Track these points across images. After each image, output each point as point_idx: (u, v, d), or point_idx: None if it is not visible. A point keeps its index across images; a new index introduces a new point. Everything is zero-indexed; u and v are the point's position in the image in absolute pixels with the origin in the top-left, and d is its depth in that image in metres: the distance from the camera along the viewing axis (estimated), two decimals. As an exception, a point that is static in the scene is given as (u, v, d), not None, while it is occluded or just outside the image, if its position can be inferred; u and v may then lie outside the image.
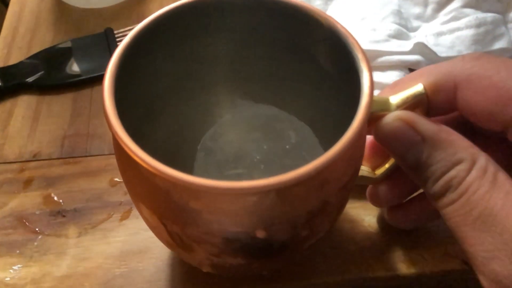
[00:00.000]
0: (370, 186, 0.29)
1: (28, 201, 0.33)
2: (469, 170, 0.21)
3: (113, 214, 0.33)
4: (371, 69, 0.22)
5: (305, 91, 0.29)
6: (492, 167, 0.21)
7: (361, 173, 0.27)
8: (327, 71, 0.26)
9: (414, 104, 0.24)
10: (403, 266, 0.29)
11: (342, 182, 0.21)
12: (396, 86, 0.24)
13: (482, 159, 0.21)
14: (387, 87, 0.25)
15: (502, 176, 0.21)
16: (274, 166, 0.29)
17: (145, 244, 0.31)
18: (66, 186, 0.34)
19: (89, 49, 0.42)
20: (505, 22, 0.37)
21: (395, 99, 0.24)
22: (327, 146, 0.29)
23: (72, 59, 0.42)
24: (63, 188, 0.34)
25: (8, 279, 0.30)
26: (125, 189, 0.31)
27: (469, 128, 0.25)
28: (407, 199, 0.28)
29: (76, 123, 0.38)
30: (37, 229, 0.32)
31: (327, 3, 0.39)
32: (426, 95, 0.24)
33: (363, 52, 0.22)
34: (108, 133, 0.34)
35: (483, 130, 0.25)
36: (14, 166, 0.35)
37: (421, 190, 0.27)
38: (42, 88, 0.40)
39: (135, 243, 0.31)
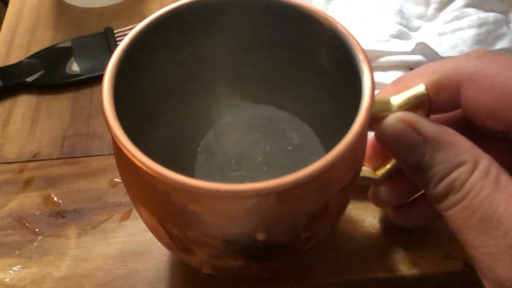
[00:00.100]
0: (372, 187, 0.28)
1: (27, 201, 0.33)
2: (471, 172, 0.21)
3: (113, 215, 0.32)
4: (372, 70, 0.22)
5: (306, 92, 0.29)
6: (495, 168, 0.21)
7: (362, 174, 0.26)
8: (327, 71, 0.26)
9: (416, 104, 0.23)
10: (404, 267, 0.29)
11: (343, 184, 0.21)
12: (398, 83, 0.24)
13: (485, 160, 0.21)
14: (389, 84, 0.25)
15: (505, 177, 0.21)
16: (277, 167, 0.29)
17: (145, 245, 0.31)
18: (66, 186, 0.34)
19: (89, 48, 0.42)
20: (507, 22, 0.37)
21: (396, 100, 0.23)
22: (328, 146, 0.29)
23: (72, 59, 0.41)
24: (63, 188, 0.34)
25: (7, 280, 0.29)
26: (125, 189, 0.31)
27: (472, 128, 0.25)
28: (411, 199, 0.28)
29: (76, 123, 0.38)
30: (37, 230, 0.32)
31: (328, 3, 0.39)
32: (428, 95, 0.23)
33: (364, 52, 0.22)
34: (108, 133, 0.33)
35: (486, 130, 0.24)
36: (14, 166, 0.35)
37: None
38: (42, 87, 0.40)
39: (135, 244, 0.31)
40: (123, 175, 0.23)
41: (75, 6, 0.47)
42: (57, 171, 0.35)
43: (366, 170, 0.27)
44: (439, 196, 0.22)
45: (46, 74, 0.40)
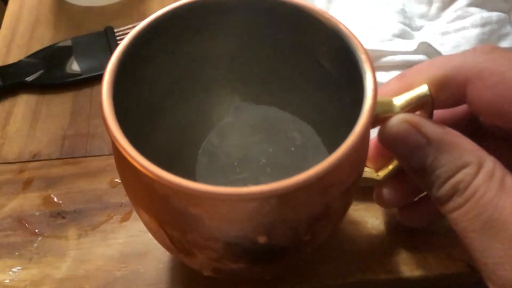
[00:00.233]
0: (377, 187, 0.28)
1: (27, 202, 0.33)
2: (476, 174, 0.20)
3: (113, 216, 0.32)
4: (374, 71, 0.21)
5: (307, 92, 0.29)
6: (500, 170, 0.20)
7: (364, 174, 0.26)
8: (329, 72, 0.26)
9: (418, 105, 0.23)
10: (406, 269, 0.29)
11: (345, 186, 0.21)
12: (402, 78, 0.24)
13: (489, 162, 0.21)
14: (393, 78, 0.24)
15: (509, 180, 0.20)
16: (281, 169, 0.28)
17: (146, 246, 0.30)
18: (66, 187, 0.34)
19: (90, 47, 0.42)
20: (510, 21, 0.36)
21: (399, 100, 0.23)
22: (330, 146, 0.28)
23: (72, 58, 0.41)
24: (63, 189, 0.34)
25: (7, 281, 0.29)
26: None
27: (476, 127, 0.25)
28: (418, 198, 0.28)
29: (76, 122, 0.38)
30: (36, 231, 0.32)
31: (330, 2, 0.38)
32: (431, 96, 0.23)
33: (367, 53, 0.22)
34: (108, 134, 0.33)
35: (491, 129, 0.24)
36: (14, 166, 0.35)
37: None
38: (42, 87, 0.40)
39: (135, 245, 0.31)
40: (122, 178, 0.22)
41: (75, 5, 0.46)
42: (57, 171, 0.35)
43: (368, 171, 0.27)
44: (443, 198, 0.21)
45: (46, 74, 0.40)
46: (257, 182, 0.27)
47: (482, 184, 0.20)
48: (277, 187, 0.18)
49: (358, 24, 0.36)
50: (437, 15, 0.37)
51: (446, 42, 0.35)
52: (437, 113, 0.25)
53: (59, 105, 0.39)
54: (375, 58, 0.34)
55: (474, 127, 0.25)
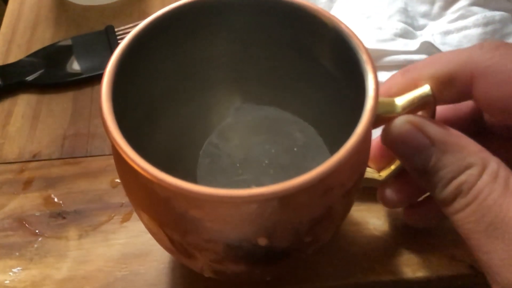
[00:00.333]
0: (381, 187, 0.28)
1: (28, 202, 0.33)
2: (479, 175, 0.20)
3: (114, 216, 0.32)
4: (376, 72, 0.21)
5: (308, 92, 0.29)
6: (504, 171, 0.20)
7: (366, 175, 0.26)
8: (330, 72, 0.26)
9: (421, 105, 0.23)
10: (408, 270, 0.29)
11: (347, 187, 0.21)
12: (407, 72, 0.23)
13: (493, 163, 0.20)
14: (397, 72, 0.24)
15: None
16: (284, 170, 0.28)
17: (147, 246, 0.30)
18: (66, 187, 0.34)
19: (90, 47, 0.42)
20: (513, 21, 0.36)
21: (400, 100, 0.23)
22: (332, 146, 0.28)
23: (73, 57, 0.41)
24: (63, 189, 0.33)
25: (7, 282, 0.29)
26: (126, 191, 0.30)
27: (481, 127, 0.24)
28: (423, 198, 0.27)
29: (76, 122, 0.37)
30: (37, 231, 0.31)
31: (331, 1, 0.38)
32: (433, 96, 0.23)
33: (368, 53, 0.22)
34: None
35: (495, 129, 0.24)
36: (14, 166, 0.35)
37: None
38: (42, 86, 0.40)
39: (136, 245, 0.31)
40: (122, 179, 0.22)
41: (76, 4, 0.46)
42: (57, 171, 0.35)
43: (370, 171, 0.27)
44: (447, 199, 0.21)
45: (46, 73, 0.40)
46: (259, 183, 0.26)
47: (486, 185, 0.20)
48: (278, 189, 0.17)
49: (360, 24, 0.36)
50: (439, 14, 0.37)
51: (448, 42, 0.34)
52: (440, 113, 0.25)
53: (59, 104, 0.39)
54: (377, 58, 0.34)
55: (478, 127, 0.25)
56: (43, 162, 0.35)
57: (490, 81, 0.21)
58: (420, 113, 0.23)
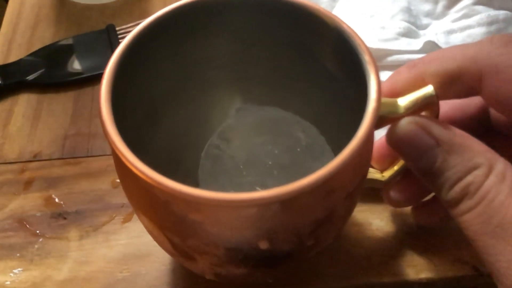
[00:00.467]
0: (386, 187, 0.28)
1: (28, 202, 0.33)
2: (486, 176, 0.20)
3: (115, 216, 0.32)
4: (378, 73, 0.21)
5: (310, 92, 0.28)
6: (511, 172, 0.20)
7: (368, 175, 0.26)
8: (332, 72, 0.26)
9: (424, 106, 0.23)
10: (411, 272, 0.29)
11: (349, 190, 0.21)
12: (413, 68, 0.23)
13: (500, 164, 0.20)
14: (403, 66, 0.24)
15: None
16: (288, 171, 0.28)
17: (148, 247, 0.30)
18: (67, 187, 0.33)
19: (91, 46, 0.42)
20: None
21: (403, 101, 0.23)
22: (334, 145, 0.28)
23: (74, 57, 0.41)
24: (64, 189, 0.33)
25: (8, 283, 0.29)
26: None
27: (487, 127, 0.24)
28: (431, 196, 0.27)
29: (77, 122, 0.37)
30: (37, 232, 0.31)
31: (334, 0, 0.38)
32: (437, 96, 0.23)
33: (371, 54, 0.22)
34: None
35: (503, 128, 0.24)
36: (14, 166, 0.35)
37: None
38: (43, 86, 0.39)
39: (137, 246, 0.30)
40: (122, 182, 0.22)
41: (77, 3, 0.46)
42: (58, 171, 0.34)
43: (372, 172, 0.27)
44: (453, 201, 0.21)
45: (47, 72, 0.40)
46: (264, 185, 0.26)
47: (493, 186, 0.20)
48: (279, 193, 0.17)
49: (363, 23, 0.35)
50: (443, 14, 0.37)
51: (451, 41, 0.34)
52: (446, 112, 0.25)
53: (60, 104, 0.38)
54: (380, 57, 0.34)
55: (484, 127, 0.25)
56: (43, 162, 0.35)
57: (501, 78, 0.21)
58: (423, 113, 0.23)
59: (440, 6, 0.37)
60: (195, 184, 0.28)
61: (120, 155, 0.18)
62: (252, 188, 0.26)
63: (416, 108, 0.23)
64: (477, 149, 0.21)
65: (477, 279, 0.29)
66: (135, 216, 0.32)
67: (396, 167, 0.27)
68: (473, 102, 0.25)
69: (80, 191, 0.33)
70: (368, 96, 0.20)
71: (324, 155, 0.29)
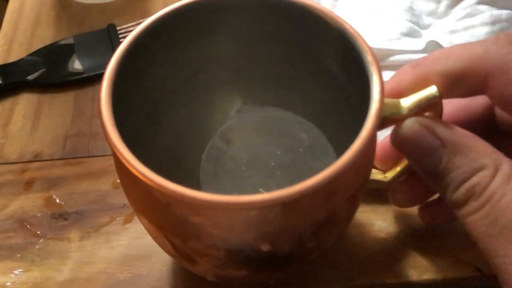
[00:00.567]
0: (392, 187, 0.27)
1: (29, 203, 0.33)
2: (492, 177, 0.20)
3: (116, 217, 0.32)
4: (381, 74, 0.21)
5: (311, 92, 0.28)
6: None
7: (371, 176, 0.26)
8: (334, 73, 0.26)
9: (427, 107, 0.23)
10: (414, 273, 0.29)
11: (351, 192, 0.21)
12: (418, 67, 0.23)
13: (506, 165, 0.20)
14: (407, 65, 0.23)
15: None
16: (291, 171, 0.28)
17: (149, 248, 0.30)
18: (68, 187, 0.33)
19: (92, 45, 0.42)
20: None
21: (406, 102, 0.23)
22: (337, 144, 0.28)
23: (74, 56, 0.41)
24: (65, 190, 0.33)
25: (9, 283, 0.29)
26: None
27: (493, 128, 0.24)
28: (437, 196, 0.27)
29: (78, 122, 0.37)
30: (38, 232, 0.31)
31: (336, 0, 0.38)
32: (440, 97, 0.22)
33: (373, 55, 0.21)
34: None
35: (509, 128, 0.23)
36: (15, 166, 0.35)
37: None
38: (44, 86, 0.39)
39: (139, 247, 0.30)
40: (123, 184, 0.22)
41: (77, 2, 0.46)
42: (59, 172, 0.34)
43: (375, 172, 0.27)
44: (458, 202, 0.21)
45: (47, 72, 0.39)
46: (267, 186, 0.26)
47: (499, 187, 0.19)
48: (281, 195, 0.17)
49: (365, 23, 0.35)
50: (445, 13, 0.37)
51: (454, 41, 0.34)
52: (451, 113, 0.25)
53: (61, 104, 0.38)
54: (382, 57, 0.33)
55: (489, 127, 0.25)
56: (44, 162, 0.35)
57: (508, 77, 0.20)
58: (426, 114, 0.23)
59: (442, 6, 0.37)
60: (197, 185, 0.28)
61: (120, 157, 0.18)
62: (255, 190, 0.26)
63: (419, 109, 0.22)
64: (482, 150, 0.20)
65: (480, 281, 0.28)
66: (136, 217, 0.32)
67: (398, 168, 0.26)
68: (478, 102, 0.25)
69: (81, 191, 0.33)
70: (371, 97, 0.20)
71: (326, 154, 0.28)
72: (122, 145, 0.18)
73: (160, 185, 0.17)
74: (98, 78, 0.40)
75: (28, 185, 0.34)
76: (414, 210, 0.30)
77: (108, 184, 0.33)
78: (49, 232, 0.31)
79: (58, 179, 0.34)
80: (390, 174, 0.27)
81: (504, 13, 0.34)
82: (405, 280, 0.28)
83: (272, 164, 0.27)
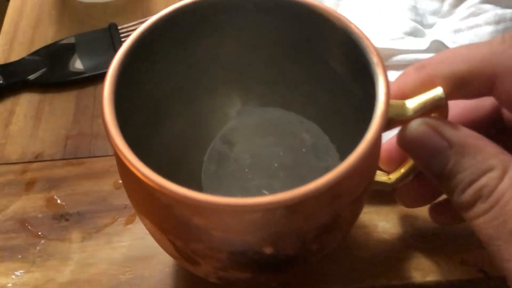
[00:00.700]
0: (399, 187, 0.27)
1: (30, 203, 0.32)
2: (501, 178, 0.19)
3: (118, 218, 0.32)
4: (386, 75, 0.21)
5: (314, 92, 0.28)
6: None
7: (375, 177, 0.25)
8: (339, 73, 0.25)
9: (433, 108, 0.22)
10: (418, 274, 0.28)
11: (355, 194, 0.20)
12: (423, 69, 0.22)
13: None
14: (411, 67, 0.23)
15: None
16: (295, 172, 0.27)
17: (151, 249, 0.30)
18: (69, 188, 0.33)
19: (93, 45, 0.41)
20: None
21: (412, 103, 0.22)
22: (340, 145, 0.28)
23: (75, 56, 0.41)
24: (66, 190, 0.33)
25: (10, 285, 0.29)
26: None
27: (501, 129, 0.24)
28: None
29: (79, 122, 0.37)
30: (39, 233, 0.31)
31: (339, -1, 0.38)
32: (446, 99, 0.22)
33: (379, 55, 0.21)
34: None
35: None
36: (16, 167, 0.34)
37: None
38: (45, 85, 0.39)
39: (140, 248, 0.30)
40: (125, 184, 0.22)
41: (79, 1, 0.46)
42: (60, 172, 0.34)
43: (379, 174, 0.26)
44: (466, 203, 0.20)
45: (49, 72, 0.39)
46: (270, 187, 0.26)
47: (508, 189, 0.19)
48: (285, 198, 0.17)
49: (368, 22, 0.35)
50: (449, 12, 0.36)
51: (459, 40, 0.34)
52: (458, 114, 0.25)
53: (62, 104, 0.38)
54: (386, 57, 0.33)
55: (497, 128, 0.24)
56: (45, 162, 0.35)
57: None
58: (432, 115, 0.23)
59: (446, 5, 0.37)
60: (198, 187, 0.27)
61: (122, 157, 0.18)
62: (259, 192, 0.26)
63: (425, 111, 0.22)
64: (490, 151, 0.20)
65: (485, 282, 0.28)
66: (138, 218, 0.31)
67: (403, 170, 0.26)
68: (485, 103, 0.25)
69: (82, 192, 0.33)
70: (377, 99, 0.20)
71: (329, 154, 0.28)
72: (124, 146, 0.18)
73: (162, 187, 0.17)
74: (100, 77, 0.39)
75: (29, 185, 0.33)
76: (418, 211, 0.30)
77: (109, 185, 0.33)
78: (50, 233, 0.31)
79: (59, 180, 0.34)
80: (394, 176, 0.27)
81: (508, 12, 0.34)
82: (409, 282, 0.28)
83: (275, 165, 0.27)
